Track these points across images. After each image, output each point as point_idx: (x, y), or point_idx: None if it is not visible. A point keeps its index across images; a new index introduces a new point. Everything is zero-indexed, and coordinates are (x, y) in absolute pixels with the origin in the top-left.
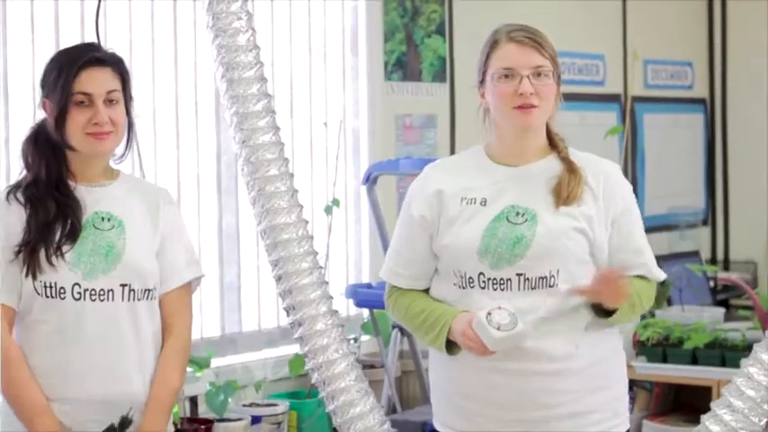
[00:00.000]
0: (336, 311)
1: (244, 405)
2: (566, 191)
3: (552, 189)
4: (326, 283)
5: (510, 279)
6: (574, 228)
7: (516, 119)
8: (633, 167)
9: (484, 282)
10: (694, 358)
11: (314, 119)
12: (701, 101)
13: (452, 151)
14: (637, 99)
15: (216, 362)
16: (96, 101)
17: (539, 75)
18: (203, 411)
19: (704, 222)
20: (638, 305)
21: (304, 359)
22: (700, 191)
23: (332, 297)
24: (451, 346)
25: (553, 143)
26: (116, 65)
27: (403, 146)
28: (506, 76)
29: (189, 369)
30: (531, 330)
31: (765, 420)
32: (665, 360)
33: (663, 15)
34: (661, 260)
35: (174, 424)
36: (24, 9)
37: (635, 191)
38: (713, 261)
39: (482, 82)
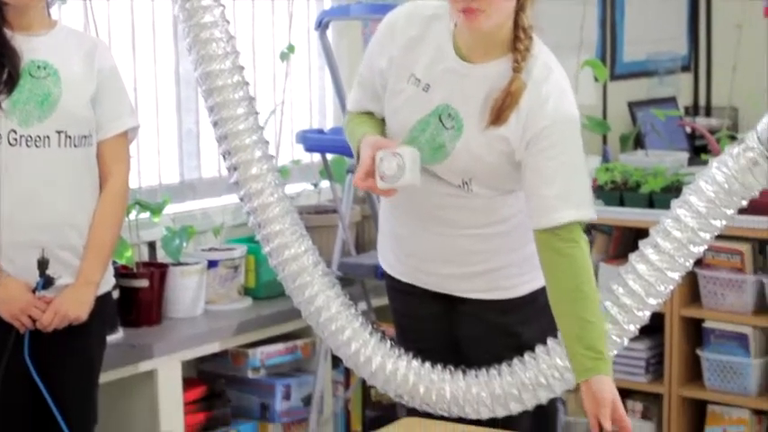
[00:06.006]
0: (272, 156)
1: (202, 250)
2: (495, 114)
3: (487, 103)
4: (262, 128)
5: None
6: (494, 150)
7: (462, 22)
8: (612, 13)
9: None
10: (651, 202)
11: None
12: None
13: None
14: None
15: (174, 208)
16: None
17: None
18: (161, 256)
19: (686, 69)
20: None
21: None
22: (682, 36)
23: (267, 142)
24: None
25: (518, 40)
26: None
27: None
28: None
29: (145, 215)
30: (418, 180)
31: (692, 261)
32: (622, 204)
33: None
34: (636, 106)
35: (130, 267)
36: None
37: (613, 36)
38: (695, 107)
39: None
